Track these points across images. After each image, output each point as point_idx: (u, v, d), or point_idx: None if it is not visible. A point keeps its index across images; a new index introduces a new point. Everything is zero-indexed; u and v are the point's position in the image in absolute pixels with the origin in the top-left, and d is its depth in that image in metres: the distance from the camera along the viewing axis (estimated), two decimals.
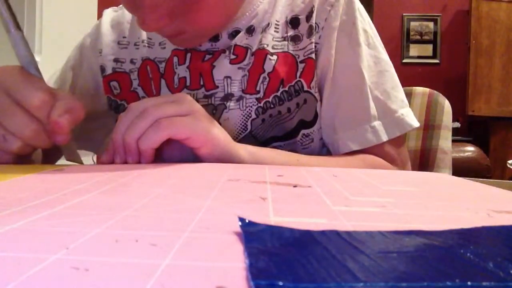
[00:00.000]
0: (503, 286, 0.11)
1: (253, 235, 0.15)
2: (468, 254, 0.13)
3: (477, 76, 3.05)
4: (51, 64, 1.17)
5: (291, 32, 0.58)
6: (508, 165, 2.62)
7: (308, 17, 0.57)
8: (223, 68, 0.57)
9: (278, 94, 0.55)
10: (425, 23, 3.66)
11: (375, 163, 0.54)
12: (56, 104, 0.42)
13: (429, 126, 0.80)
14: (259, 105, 0.55)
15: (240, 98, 0.56)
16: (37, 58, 1.12)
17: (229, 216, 0.19)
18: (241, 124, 0.55)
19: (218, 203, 0.22)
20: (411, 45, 3.74)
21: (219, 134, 0.45)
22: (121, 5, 0.67)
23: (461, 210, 0.22)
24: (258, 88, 0.55)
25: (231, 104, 0.56)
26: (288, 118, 0.56)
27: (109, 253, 0.14)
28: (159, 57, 0.61)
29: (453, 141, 0.84)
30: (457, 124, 3.14)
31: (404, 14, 3.70)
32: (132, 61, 0.62)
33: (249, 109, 0.55)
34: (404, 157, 0.59)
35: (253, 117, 0.55)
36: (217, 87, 0.56)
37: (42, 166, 0.40)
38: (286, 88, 0.55)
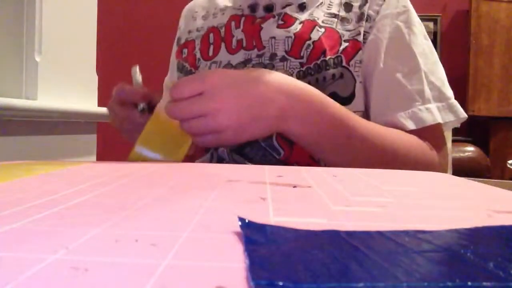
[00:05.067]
0: (503, 286, 0.11)
1: (253, 235, 0.15)
2: (468, 254, 0.13)
3: (477, 76, 3.05)
4: (51, 64, 1.17)
5: (342, 13, 0.62)
6: (508, 165, 2.61)
7: (361, 6, 0.61)
8: (270, 30, 0.62)
9: (318, 62, 0.58)
10: (425, 23, 3.65)
11: (423, 146, 0.55)
12: None
13: None
14: (301, 69, 0.58)
15: (284, 59, 0.60)
16: (37, 58, 1.13)
17: (229, 216, 0.19)
18: None
19: (218, 203, 0.22)
20: None
21: (254, 134, 0.48)
22: None
23: (461, 210, 0.22)
24: (302, 54, 0.59)
25: (277, 64, 0.60)
26: (321, 88, 0.57)
27: (109, 253, 0.14)
28: (220, 23, 0.68)
29: (453, 141, 0.84)
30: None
31: None
32: (198, 30, 0.73)
33: (292, 71, 0.59)
34: (446, 154, 0.60)
35: None
36: (264, 47, 0.62)
37: (45, 167, 0.40)
38: (326, 58, 0.58)
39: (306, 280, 0.11)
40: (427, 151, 0.55)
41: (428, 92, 0.56)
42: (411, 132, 0.55)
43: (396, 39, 0.58)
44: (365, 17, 0.60)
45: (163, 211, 0.20)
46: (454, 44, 3.48)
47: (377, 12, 0.60)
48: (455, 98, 0.59)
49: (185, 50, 0.72)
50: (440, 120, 0.55)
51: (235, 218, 0.18)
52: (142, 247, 0.14)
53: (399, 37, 0.58)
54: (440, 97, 0.57)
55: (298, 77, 0.58)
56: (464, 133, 3.20)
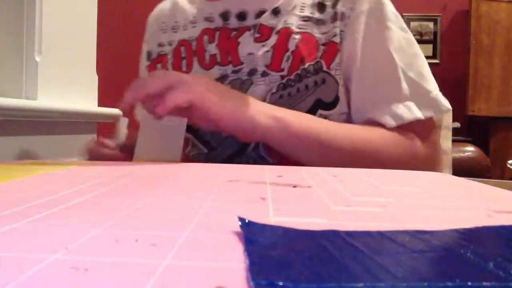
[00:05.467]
0: (503, 286, 0.11)
1: (253, 235, 0.15)
2: (468, 254, 0.13)
3: (477, 76, 3.05)
4: (51, 64, 1.17)
5: (316, 15, 0.60)
6: (508, 165, 2.61)
7: (334, 4, 0.60)
8: (247, 45, 0.61)
9: (299, 71, 0.57)
10: (425, 23, 3.65)
11: (399, 141, 0.54)
12: None
13: None
14: (281, 81, 0.58)
15: (265, 74, 0.59)
16: (37, 58, 1.12)
17: (229, 216, 0.19)
18: (262, 98, 0.58)
19: (218, 203, 0.22)
20: None
21: (230, 107, 0.48)
22: None
23: (461, 210, 0.22)
24: (282, 67, 0.58)
25: (257, 79, 0.59)
26: (304, 96, 0.57)
27: (109, 253, 0.14)
28: (192, 36, 0.66)
29: (453, 141, 0.84)
30: (457, 124, 3.13)
31: (404, 14, 3.69)
32: (169, 43, 0.70)
33: (273, 85, 0.58)
34: (434, 142, 0.58)
35: (273, 91, 0.58)
36: (243, 63, 0.60)
37: (45, 167, 0.40)
38: (306, 66, 0.57)
39: (306, 280, 0.11)
40: (405, 145, 0.54)
41: (406, 89, 0.55)
42: (394, 128, 0.54)
43: (371, 37, 0.57)
44: (339, 16, 0.58)
45: (163, 211, 0.20)
46: (454, 44, 3.47)
47: (351, 9, 0.58)
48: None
49: (159, 66, 0.70)
50: (420, 116, 0.54)
51: (235, 218, 0.18)
52: (142, 247, 0.14)
53: (374, 35, 0.57)
54: (419, 92, 0.55)
55: (278, 90, 0.57)
56: (464, 133, 3.20)
